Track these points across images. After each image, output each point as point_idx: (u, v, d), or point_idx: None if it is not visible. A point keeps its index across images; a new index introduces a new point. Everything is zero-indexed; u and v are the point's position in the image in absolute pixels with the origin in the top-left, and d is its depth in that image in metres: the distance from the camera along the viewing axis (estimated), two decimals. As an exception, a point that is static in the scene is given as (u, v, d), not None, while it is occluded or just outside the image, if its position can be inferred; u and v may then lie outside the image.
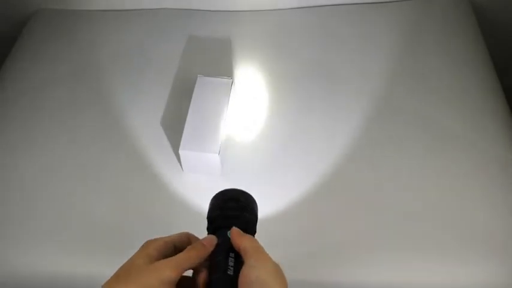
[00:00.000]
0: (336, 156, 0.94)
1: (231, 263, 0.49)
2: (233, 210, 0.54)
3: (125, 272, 0.47)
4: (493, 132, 0.96)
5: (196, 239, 0.53)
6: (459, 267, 0.80)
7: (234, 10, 1.24)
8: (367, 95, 1.03)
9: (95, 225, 0.88)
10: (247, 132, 1.00)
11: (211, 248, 0.50)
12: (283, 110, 1.03)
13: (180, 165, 0.93)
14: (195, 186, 0.91)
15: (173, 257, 0.48)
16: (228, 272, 0.48)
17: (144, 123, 1.02)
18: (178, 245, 0.52)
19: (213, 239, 0.51)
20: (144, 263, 0.47)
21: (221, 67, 1.10)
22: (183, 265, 0.47)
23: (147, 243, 0.50)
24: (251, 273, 0.46)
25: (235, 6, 1.24)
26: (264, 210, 0.87)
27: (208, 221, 0.55)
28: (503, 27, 1.33)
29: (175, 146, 0.90)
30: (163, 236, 0.52)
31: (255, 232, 0.55)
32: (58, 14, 1.28)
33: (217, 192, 0.56)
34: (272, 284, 0.45)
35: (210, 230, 0.55)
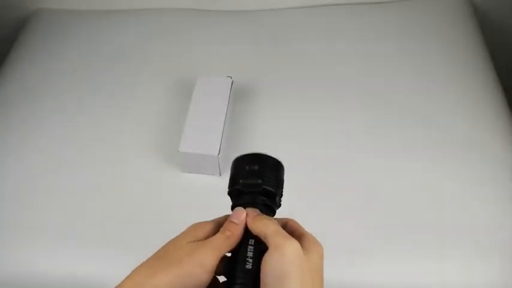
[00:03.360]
0: (335, 156, 0.94)
1: (249, 253, 0.43)
2: (250, 186, 0.47)
3: (165, 255, 0.43)
4: (493, 133, 0.96)
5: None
6: (459, 267, 0.80)
7: (234, 10, 1.24)
8: (367, 95, 1.03)
9: (94, 225, 0.88)
10: (247, 132, 0.99)
11: (243, 224, 0.44)
12: (283, 110, 1.03)
13: (180, 165, 0.93)
14: (195, 186, 0.91)
15: (211, 240, 0.44)
16: (247, 266, 0.42)
17: (144, 123, 1.02)
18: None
19: (241, 213, 0.45)
20: (184, 246, 0.43)
21: (221, 67, 1.10)
22: (222, 248, 0.43)
23: (196, 226, 0.46)
24: (266, 267, 0.40)
25: (235, 5, 1.24)
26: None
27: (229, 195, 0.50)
28: (504, 27, 1.33)
29: (175, 146, 0.90)
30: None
31: (278, 206, 0.49)
32: (57, 14, 1.28)
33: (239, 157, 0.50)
34: (292, 276, 0.39)
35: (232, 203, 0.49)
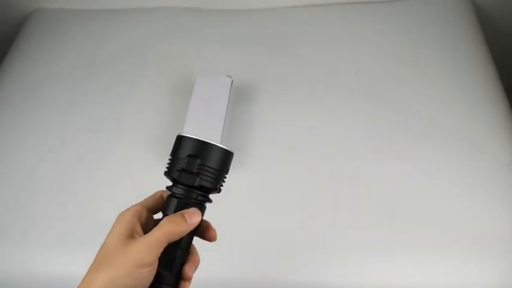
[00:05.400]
0: (335, 156, 0.94)
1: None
2: (187, 179, 0.46)
3: (101, 258, 0.43)
4: (494, 133, 0.96)
5: None
6: (458, 266, 0.80)
7: (234, 9, 1.24)
8: (367, 95, 1.03)
9: (94, 225, 0.87)
10: (247, 132, 0.99)
11: (193, 227, 0.44)
12: (283, 109, 1.02)
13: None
14: (195, 186, 0.91)
15: (148, 236, 0.42)
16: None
17: (144, 123, 1.02)
18: (153, 209, 0.47)
19: (197, 215, 0.45)
20: (116, 245, 0.42)
21: (221, 67, 1.10)
22: (159, 245, 0.42)
23: (119, 218, 0.45)
24: None
25: (235, 5, 1.24)
26: (263, 210, 0.86)
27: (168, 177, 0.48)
28: (504, 27, 1.33)
29: (175, 146, 0.90)
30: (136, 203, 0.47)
31: (218, 191, 0.47)
32: (55, 14, 1.27)
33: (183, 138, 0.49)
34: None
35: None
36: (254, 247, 0.83)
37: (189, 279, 0.46)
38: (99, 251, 0.44)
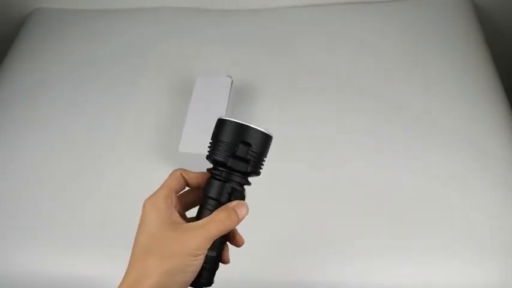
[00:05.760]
0: (335, 155, 0.94)
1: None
2: (237, 166, 0.46)
3: (149, 245, 0.42)
4: (494, 132, 0.96)
5: (193, 175, 0.48)
6: (458, 267, 0.80)
7: (234, 9, 1.24)
8: (367, 95, 1.03)
9: (94, 225, 0.87)
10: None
11: (241, 220, 0.45)
12: (283, 109, 1.02)
13: (180, 165, 0.92)
14: (195, 186, 0.91)
15: (204, 226, 0.43)
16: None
17: (144, 123, 1.02)
18: (178, 191, 0.47)
19: (246, 208, 0.46)
20: (166, 233, 0.42)
21: (221, 66, 1.10)
22: (214, 236, 0.43)
23: (151, 206, 0.45)
24: None
25: (235, 5, 1.24)
26: (263, 210, 0.86)
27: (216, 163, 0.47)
28: (504, 27, 1.33)
29: (175, 146, 0.90)
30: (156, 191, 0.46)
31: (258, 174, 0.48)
32: (55, 14, 1.27)
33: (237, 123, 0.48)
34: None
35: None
36: (254, 247, 0.82)
37: (227, 263, 0.48)
38: (141, 239, 0.43)
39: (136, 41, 1.17)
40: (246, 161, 0.46)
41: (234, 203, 0.45)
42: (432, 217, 0.85)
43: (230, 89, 0.96)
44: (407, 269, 0.81)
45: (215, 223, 0.43)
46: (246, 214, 0.46)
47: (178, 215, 0.45)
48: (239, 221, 0.45)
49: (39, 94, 1.08)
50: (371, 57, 1.10)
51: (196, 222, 0.44)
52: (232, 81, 0.98)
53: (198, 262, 0.42)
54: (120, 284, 0.42)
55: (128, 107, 1.04)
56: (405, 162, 0.92)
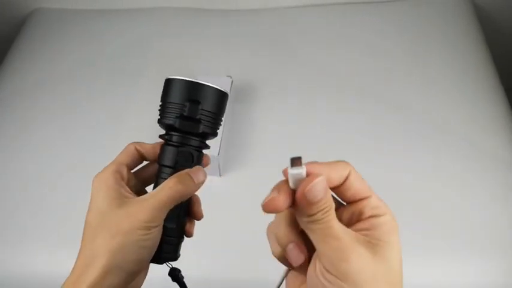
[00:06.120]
0: (335, 155, 0.93)
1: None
2: (187, 127, 0.42)
3: (97, 224, 0.39)
4: (493, 132, 0.96)
5: (148, 147, 0.44)
6: (458, 267, 0.80)
7: (234, 9, 1.24)
8: (367, 95, 1.03)
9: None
10: (247, 132, 0.99)
11: (200, 186, 0.41)
12: (283, 109, 1.02)
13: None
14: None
15: (155, 196, 0.39)
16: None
17: (144, 123, 1.01)
18: (130, 165, 0.44)
19: (203, 173, 0.41)
20: (114, 209, 0.39)
21: (221, 66, 1.10)
22: (168, 206, 0.39)
23: (99, 183, 0.42)
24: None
25: (235, 5, 1.23)
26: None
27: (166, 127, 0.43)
28: (504, 27, 1.33)
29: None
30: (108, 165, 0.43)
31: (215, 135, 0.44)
32: (56, 14, 1.27)
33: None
34: None
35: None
36: (254, 247, 0.83)
37: (190, 236, 0.44)
38: (90, 218, 0.40)
39: (136, 41, 1.17)
40: (196, 121, 0.42)
41: (188, 169, 0.41)
42: (432, 217, 0.85)
43: (230, 89, 0.96)
44: (407, 269, 0.80)
45: (164, 191, 0.39)
46: (204, 179, 0.42)
47: (129, 189, 0.41)
48: (196, 185, 0.41)
49: (39, 94, 1.08)
50: (371, 57, 1.10)
51: (147, 194, 0.40)
52: (232, 81, 0.98)
53: (152, 236, 0.39)
54: (72, 270, 0.40)
55: (128, 107, 1.04)
56: (405, 162, 0.92)
